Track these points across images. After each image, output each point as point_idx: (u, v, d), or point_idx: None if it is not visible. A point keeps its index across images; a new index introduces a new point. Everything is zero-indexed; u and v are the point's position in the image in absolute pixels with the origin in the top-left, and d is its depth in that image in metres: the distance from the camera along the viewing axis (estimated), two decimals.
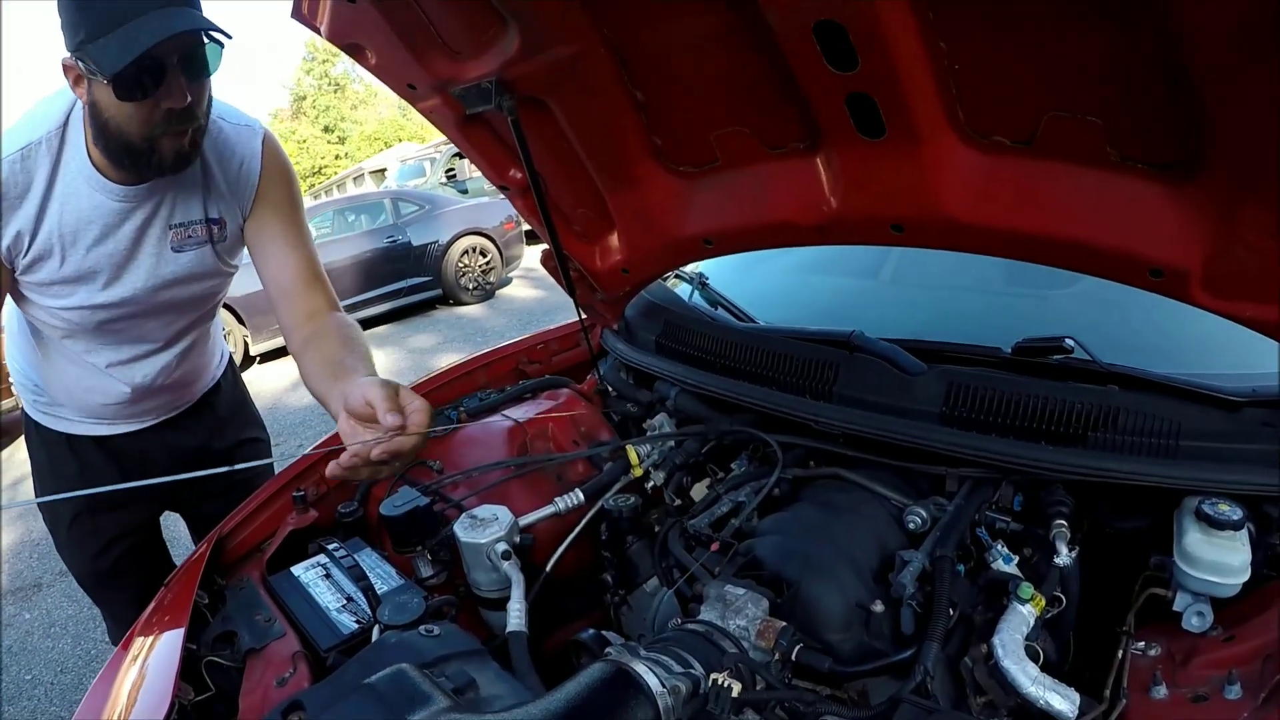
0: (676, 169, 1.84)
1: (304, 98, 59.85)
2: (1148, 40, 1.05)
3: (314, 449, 1.99)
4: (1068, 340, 1.67)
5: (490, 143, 1.99)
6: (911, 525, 1.59)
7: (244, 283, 8.14)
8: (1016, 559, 1.51)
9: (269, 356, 11.57)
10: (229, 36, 1.81)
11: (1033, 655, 1.29)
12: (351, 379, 1.63)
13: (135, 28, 1.66)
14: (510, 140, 1.91)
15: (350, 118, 59.36)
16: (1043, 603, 1.37)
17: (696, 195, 1.85)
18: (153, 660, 1.57)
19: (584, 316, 2.33)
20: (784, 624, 1.37)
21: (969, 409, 1.62)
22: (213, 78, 1.89)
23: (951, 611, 1.41)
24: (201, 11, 1.79)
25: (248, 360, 11.27)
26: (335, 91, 59.56)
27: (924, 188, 1.43)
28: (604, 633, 1.53)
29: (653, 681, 1.15)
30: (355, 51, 1.81)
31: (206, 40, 1.78)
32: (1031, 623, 1.34)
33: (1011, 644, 1.29)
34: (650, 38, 1.53)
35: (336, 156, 56.85)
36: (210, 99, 1.94)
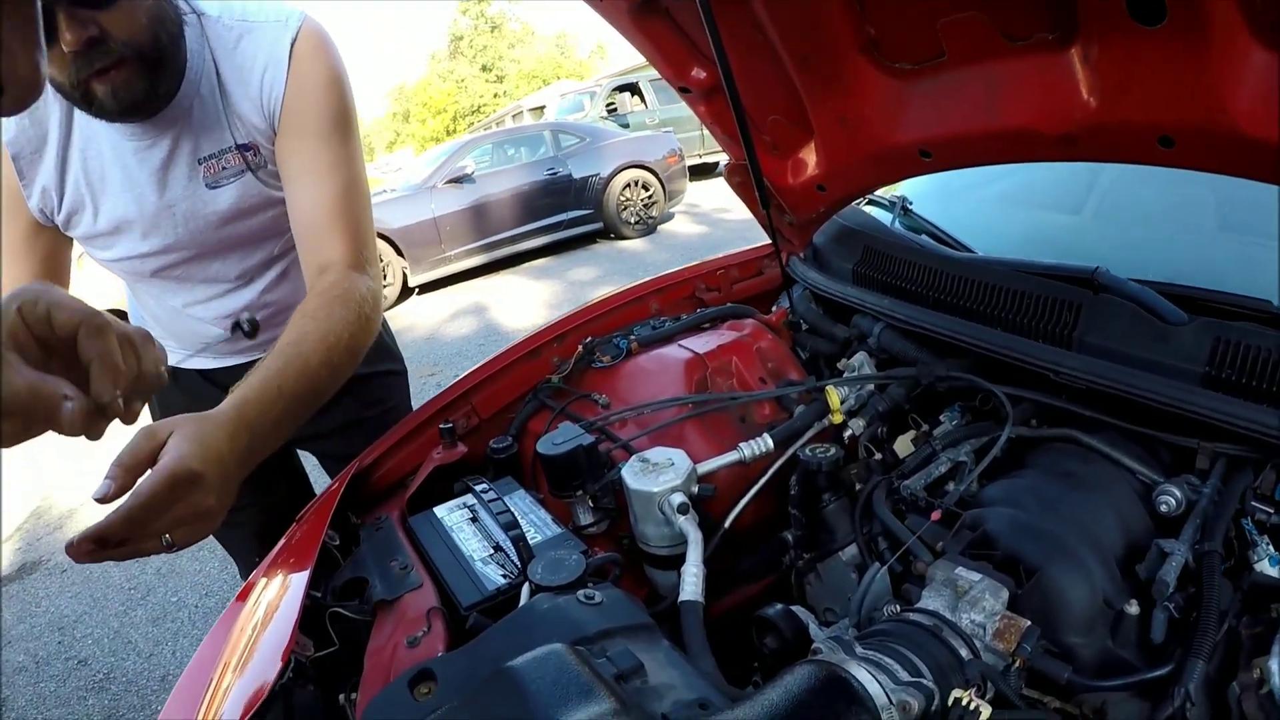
0: (892, 66, 1.56)
1: (461, 37, 61.01)
2: None
3: None
4: None
5: (669, 36, 1.77)
6: (1164, 508, 1.30)
7: (400, 213, 8.30)
8: None
9: (428, 288, 11.72)
10: None
11: None
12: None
13: None
14: (692, 31, 1.72)
15: (508, 56, 60.34)
16: None
17: (914, 97, 1.57)
18: (275, 607, 1.40)
19: (781, 239, 2.08)
20: (1029, 623, 1.09)
21: (1238, 371, 1.31)
22: None
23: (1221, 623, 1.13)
24: None
25: (406, 292, 11.43)
26: (492, 30, 60.55)
27: (1208, 92, 1.13)
28: (794, 609, 1.28)
29: (876, 692, 0.89)
30: None
31: None
32: None
33: None
34: None
35: (495, 95, 58.15)
36: (159, 13, 1.65)
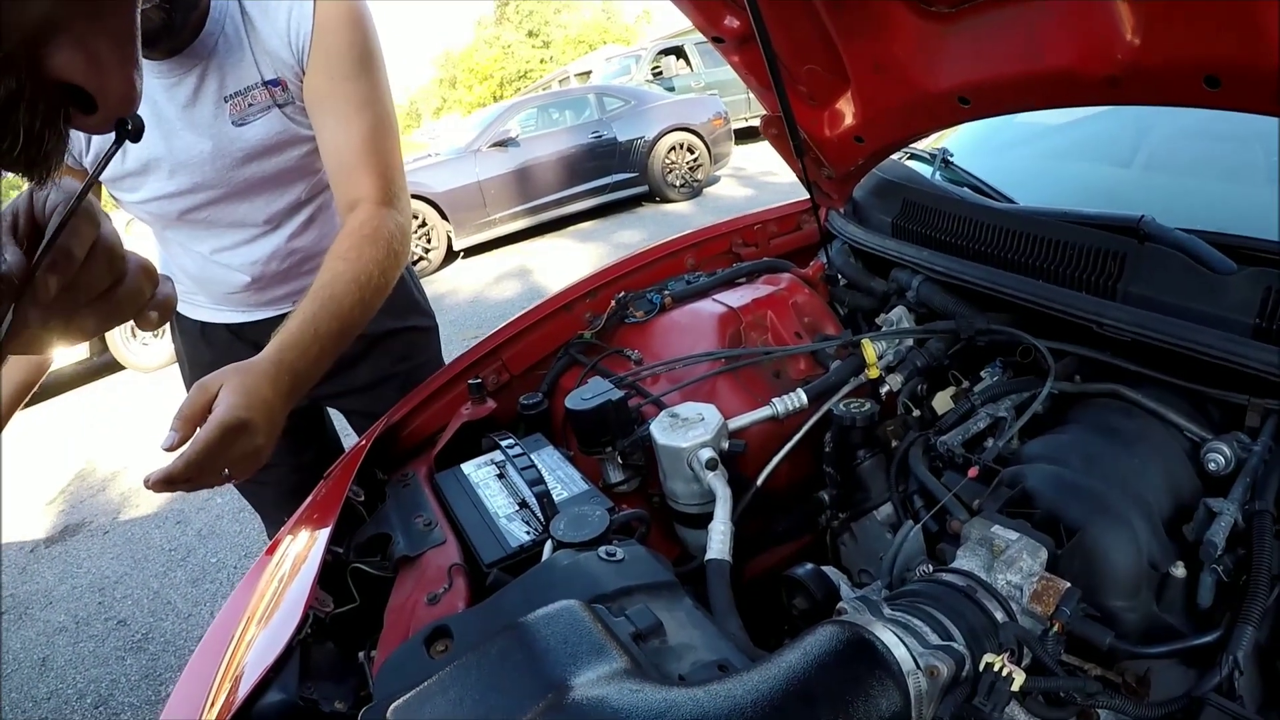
0: (929, 7, 1.50)
1: (507, 3, 60.91)
2: None
3: None
4: None
5: None
6: (1212, 466, 1.25)
7: (445, 178, 8.30)
8: None
9: (472, 252, 11.74)
10: None
11: None
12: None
13: None
14: None
15: (554, 21, 60.19)
16: None
17: (952, 41, 1.51)
18: (295, 564, 1.41)
19: (819, 193, 2.03)
20: (1069, 585, 1.04)
21: None
22: None
23: (1272, 588, 1.08)
24: None
25: (450, 255, 11.45)
26: None
27: (1255, 27, 1.06)
28: (824, 569, 1.24)
29: (903, 656, 0.84)
30: None
31: None
32: None
33: None
34: None
35: (541, 60, 58.08)
36: None
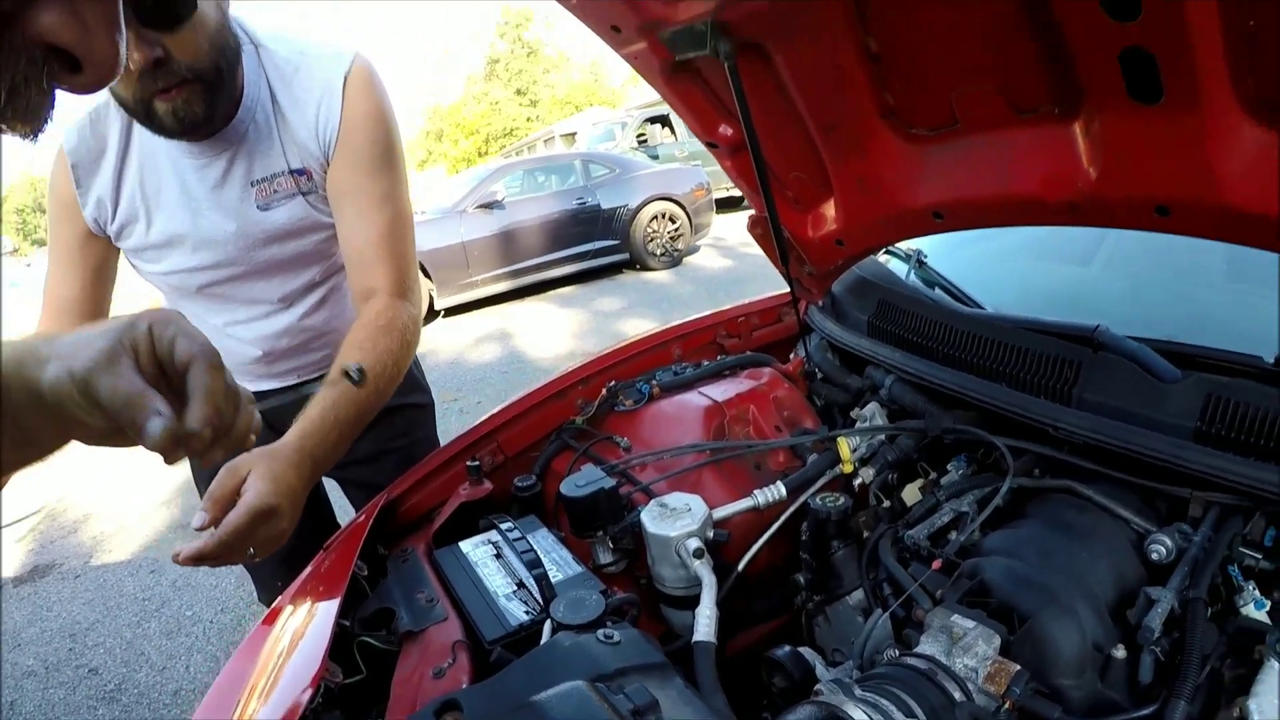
0: (909, 131, 1.63)
1: (497, 61, 61.36)
2: None
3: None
4: None
5: (698, 94, 1.84)
6: (1155, 556, 1.36)
7: (428, 237, 8.42)
8: (1268, 604, 1.29)
9: (454, 311, 11.82)
10: None
11: None
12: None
13: None
14: (721, 92, 1.78)
15: (543, 81, 60.59)
16: None
17: (929, 162, 1.64)
18: (302, 633, 1.48)
19: (800, 290, 2.15)
20: (1018, 667, 1.16)
21: (1228, 425, 1.37)
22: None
23: (1203, 666, 1.20)
24: None
25: (432, 314, 11.54)
26: (528, 55, 60.89)
27: (1201, 166, 1.20)
28: (801, 650, 1.35)
29: None
30: None
31: None
32: None
33: (1270, 709, 1.09)
34: None
35: (528, 119, 58.34)
36: (219, 40, 1.78)
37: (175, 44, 1.66)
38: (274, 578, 2.47)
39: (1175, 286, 2.15)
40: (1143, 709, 1.17)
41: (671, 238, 13.42)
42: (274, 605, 1.67)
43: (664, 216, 13.34)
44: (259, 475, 1.48)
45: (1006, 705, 1.13)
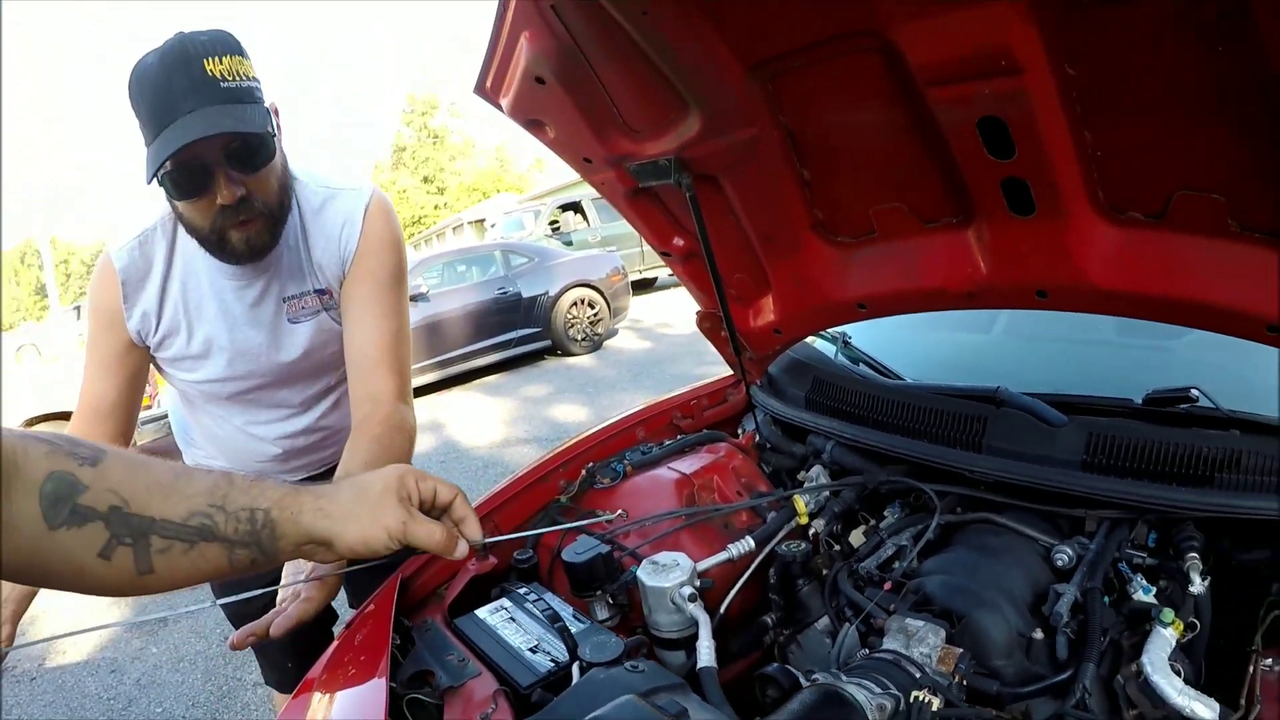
0: (835, 239, 1.98)
1: (404, 149, 61.01)
2: (1264, 136, 1.21)
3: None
4: (1193, 390, 1.84)
5: (656, 212, 2.15)
6: (1059, 562, 1.71)
7: None
8: (1154, 590, 1.63)
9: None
10: (268, 131, 1.86)
11: (1174, 673, 1.41)
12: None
13: (168, 134, 1.75)
14: (677, 211, 2.09)
15: (449, 168, 60.32)
16: (1181, 627, 1.49)
17: (853, 263, 1.99)
18: (353, 700, 1.63)
19: (745, 374, 2.46)
20: (961, 650, 1.50)
21: (1108, 456, 1.73)
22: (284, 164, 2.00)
23: (1103, 637, 1.54)
24: (254, 103, 1.86)
25: None
26: (434, 143, 60.66)
27: (1068, 259, 1.59)
28: (788, 667, 1.62)
29: (863, 700, 1.30)
30: (534, 127, 1.98)
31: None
32: (1173, 645, 1.45)
33: (1159, 661, 1.40)
34: (822, 122, 1.70)
35: (436, 206, 57.76)
36: (284, 180, 2.02)
37: (256, 184, 1.92)
38: (284, 658, 2.62)
39: (1063, 346, 2.58)
40: (1061, 674, 1.50)
41: (591, 323, 13.66)
42: (305, 678, 1.79)
43: (583, 302, 13.59)
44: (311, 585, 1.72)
45: (956, 679, 1.48)
